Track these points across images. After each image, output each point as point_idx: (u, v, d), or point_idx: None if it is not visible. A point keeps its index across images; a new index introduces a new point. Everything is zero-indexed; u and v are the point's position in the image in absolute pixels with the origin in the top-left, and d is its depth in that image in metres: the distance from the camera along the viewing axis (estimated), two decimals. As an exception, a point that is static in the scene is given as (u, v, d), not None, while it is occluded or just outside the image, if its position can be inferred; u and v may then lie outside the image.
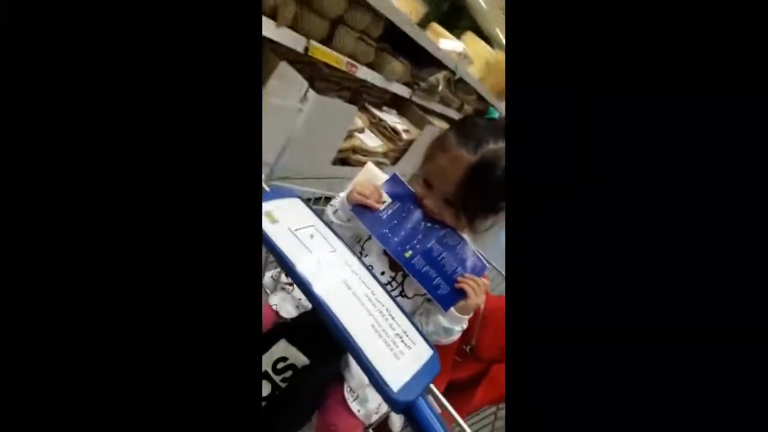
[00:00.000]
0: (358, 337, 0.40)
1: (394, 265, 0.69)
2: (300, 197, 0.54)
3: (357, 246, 0.71)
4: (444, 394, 0.81)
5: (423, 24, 1.74)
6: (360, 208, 0.66)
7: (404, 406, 0.39)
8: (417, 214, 0.68)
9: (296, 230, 0.48)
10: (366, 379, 0.40)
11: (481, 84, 2.28)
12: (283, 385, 0.64)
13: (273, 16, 1.20)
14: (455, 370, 0.86)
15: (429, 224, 0.67)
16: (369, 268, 0.62)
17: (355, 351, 0.40)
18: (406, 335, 0.44)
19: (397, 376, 0.39)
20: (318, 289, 0.43)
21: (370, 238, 0.69)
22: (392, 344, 0.42)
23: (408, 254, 0.64)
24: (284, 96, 1.27)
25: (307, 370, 0.65)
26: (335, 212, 0.71)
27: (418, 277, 0.64)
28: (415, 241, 0.66)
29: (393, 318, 0.45)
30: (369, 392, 0.69)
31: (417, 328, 0.46)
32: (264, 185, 0.53)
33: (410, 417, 0.39)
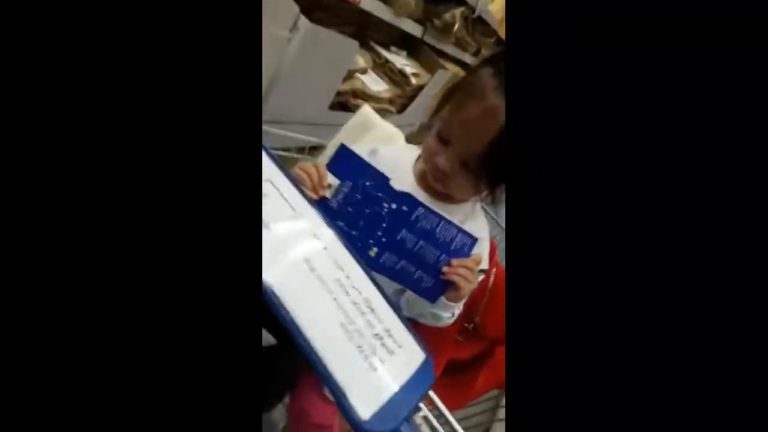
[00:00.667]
0: (318, 340, 0.28)
1: None
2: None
3: None
4: (443, 376, 0.70)
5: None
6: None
7: (378, 440, 0.27)
8: (377, 193, 0.50)
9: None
10: None
11: (502, 26, 2.04)
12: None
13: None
14: (456, 348, 0.76)
15: (394, 206, 0.51)
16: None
17: (312, 359, 0.28)
18: (390, 335, 0.32)
19: (370, 397, 0.27)
20: (265, 272, 0.30)
21: None
22: (368, 350, 0.30)
23: (373, 252, 0.50)
24: (271, 23, 1.09)
25: (274, 350, 0.54)
26: None
27: (393, 277, 0.51)
28: (380, 233, 0.50)
29: (372, 311, 0.32)
30: None
31: (405, 324, 0.34)
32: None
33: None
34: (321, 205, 0.47)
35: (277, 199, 0.36)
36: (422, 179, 0.58)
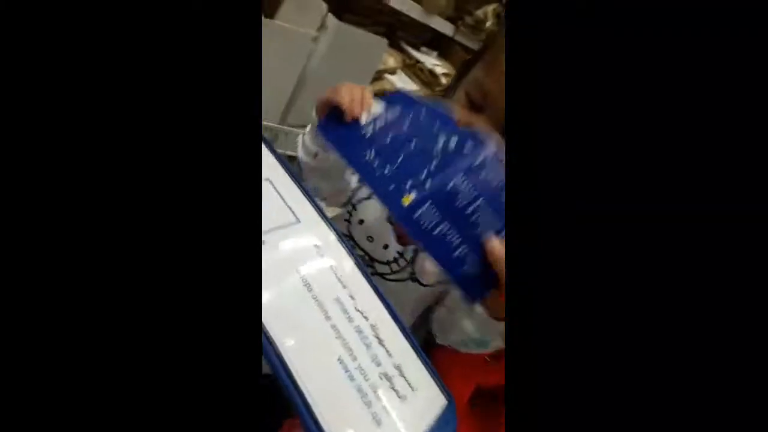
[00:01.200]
0: (307, 381, 0.22)
1: (403, 236, 0.46)
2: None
3: (346, 206, 0.49)
4: (470, 406, 0.62)
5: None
6: (333, 124, 0.37)
7: None
8: (433, 121, 0.36)
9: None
10: None
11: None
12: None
13: None
14: (485, 373, 0.68)
15: (453, 143, 0.34)
16: (367, 241, 0.43)
17: (298, 406, 0.22)
18: (401, 374, 0.25)
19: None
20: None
21: (369, 196, 0.47)
22: (371, 395, 0.23)
23: (407, 199, 0.33)
24: (298, 22, 1.05)
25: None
26: (303, 145, 0.47)
27: (425, 242, 0.34)
28: (423, 176, 0.34)
29: (381, 342, 0.25)
30: None
31: (422, 357, 0.27)
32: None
33: None
34: (353, 132, 0.34)
35: (275, 203, 0.30)
36: None
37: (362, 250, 0.48)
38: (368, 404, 0.23)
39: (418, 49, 1.68)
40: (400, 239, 0.48)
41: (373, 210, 0.48)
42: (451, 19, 1.58)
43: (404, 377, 0.25)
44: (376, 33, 1.43)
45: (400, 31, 1.62)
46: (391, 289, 0.47)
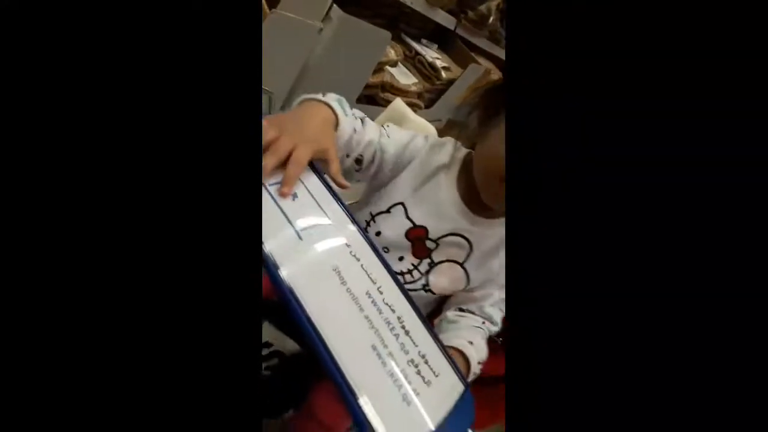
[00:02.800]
0: (348, 365, 0.25)
1: (419, 249, 0.50)
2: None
3: (366, 217, 0.52)
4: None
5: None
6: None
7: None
8: None
9: (272, 185, 0.31)
10: None
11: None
12: (266, 374, 0.51)
13: None
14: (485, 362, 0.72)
15: None
16: (383, 252, 0.45)
17: (341, 387, 0.24)
18: (426, 361, 0.28)
19: (404, 435, 0.24)
20: (289, 277, 0.26)
21: (389, 210, 0.50)
22: (402, 378, 0.26)
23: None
24: (303, 12, 1.05)
25: (297, 358, 0.51)
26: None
27: None
28: None
29: (407, 333, 0.28)
30: None
31: (443, 349, 0.30)
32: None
33: None
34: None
35: (307, 202, 0.32)
36: (468, 197, 0.51)
37: None
38: (399, 386, 0.26)
39: (419, 41, 1.68)
40: (416, 253, 0.51)
41: (391, 224, 0.50)
42: (453, 13, 1.58)
43: (428, 365, 0.28)
44: (378, 24, 1.43)
45: (402, 23, 1.61)
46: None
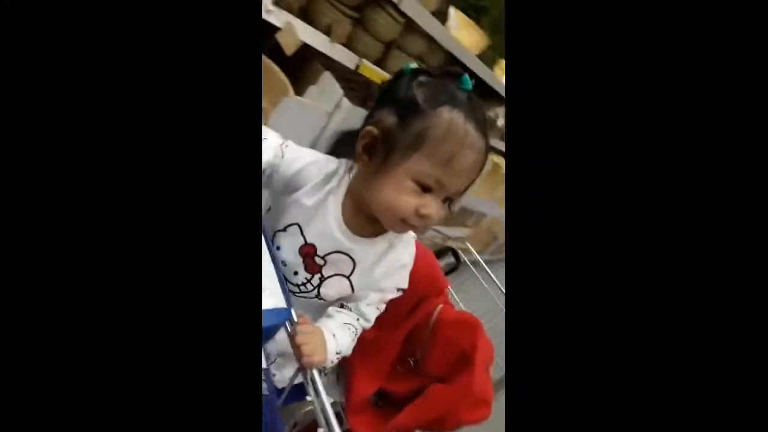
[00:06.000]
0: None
1: (310, 266, 0.61)
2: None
3: (270, 231, 0.63)
4: (370, 405, 0.72)
5: (488, 59, 1.74)
6: None
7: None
8: None
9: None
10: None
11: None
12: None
13: (327, 33, 1.30)
14: (392, 380, 0.78)
15: None
16: (282, 264, 0.60)
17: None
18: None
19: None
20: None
21: (285, 229, 0.60)
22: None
23: None
24: (319, 101, 1.36)
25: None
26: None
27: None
28: None
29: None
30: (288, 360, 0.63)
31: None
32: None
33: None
34: None
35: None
36: (353, 220, 0.59)
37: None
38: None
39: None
40: (308, 268, 0.61)
41: (288, 241, 0.60)
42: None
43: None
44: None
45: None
46: (299, 301, 0.62)
